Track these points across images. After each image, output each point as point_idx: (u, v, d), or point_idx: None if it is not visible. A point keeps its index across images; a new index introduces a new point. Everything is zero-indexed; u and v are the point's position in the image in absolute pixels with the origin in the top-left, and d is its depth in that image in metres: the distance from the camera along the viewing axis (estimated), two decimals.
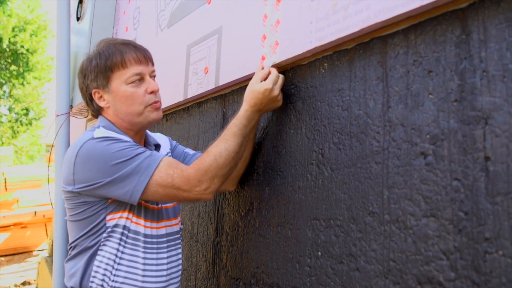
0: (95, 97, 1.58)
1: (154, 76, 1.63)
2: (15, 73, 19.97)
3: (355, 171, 1.21)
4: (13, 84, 20.44)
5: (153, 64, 1.63)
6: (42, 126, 18.77)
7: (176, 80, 2.10)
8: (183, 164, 1.47)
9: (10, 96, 20.65)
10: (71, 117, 3.33)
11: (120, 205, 1.48)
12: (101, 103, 1.58)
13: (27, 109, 19.65)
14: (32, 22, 19.50)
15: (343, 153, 1.25)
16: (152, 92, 1.56)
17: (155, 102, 1.57)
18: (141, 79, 1.55)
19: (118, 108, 1.55)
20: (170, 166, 1.43)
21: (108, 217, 1.49)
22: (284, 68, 1.49)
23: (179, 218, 1.65)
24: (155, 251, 1.53)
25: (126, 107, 1.54)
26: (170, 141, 1.84)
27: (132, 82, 1.53)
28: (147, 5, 2.60)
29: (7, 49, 19.42)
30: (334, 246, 1.24)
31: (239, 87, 1.72)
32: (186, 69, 2.01)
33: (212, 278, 1.74)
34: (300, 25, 1.38)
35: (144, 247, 1.50)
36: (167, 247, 1.57)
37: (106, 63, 1.54)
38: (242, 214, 1.61)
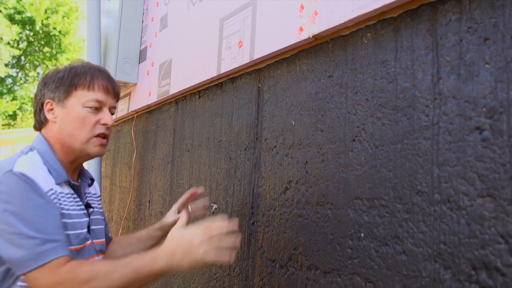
0: (46, 108, 1.52)
1: (113, 114, 1.59)
2: (48, 55, 20.29)
3: (401, 148, 1.13)
4: (47, 66, 20.78)
5: (117, 101, 1.61)
6: None
7: (209, 55, 2.04)
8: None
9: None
10: None
11: None
12: (49, 116, 1.52)
13: None
14: (64, 4, 19.72)
15: (388, 128, 1.17)
16: (104, 124, 1.51)
17: (103, 136, 1.52)
18: (99, 108, 1.52)
19: (64, 127, 1.49)
20: (49, 269, 1.25)
21: None
22: (323, 40, 1.41)
23: None
24: None
25: (73, 128, 1.48)
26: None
27: (89, 107, 1.49)
28: None
29: (40, 31, 19.69)
30: (378, 227, 1.17)
31: (275, 60, 1.64)
32: (219, 44, 1.95)
33: (247, 259, 1.69)
34: None
35: None
36: None
37: (73, 78, 1.50)
38: (279, 193, 1.55)
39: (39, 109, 1.55)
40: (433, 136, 1.06)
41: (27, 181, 1.31)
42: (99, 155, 1.55)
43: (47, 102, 1.52)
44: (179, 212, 1.77)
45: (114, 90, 1.57)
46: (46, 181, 1.38)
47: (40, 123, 1.57)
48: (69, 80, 1.50)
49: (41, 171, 1.39)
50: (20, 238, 1.26)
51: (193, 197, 1.79)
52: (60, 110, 1.51)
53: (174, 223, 1.72)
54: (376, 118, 1.21)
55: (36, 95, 1.56)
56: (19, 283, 1.34)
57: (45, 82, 1.54)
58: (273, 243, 1.55)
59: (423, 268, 1.05)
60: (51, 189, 1.39)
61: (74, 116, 1.49)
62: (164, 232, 1.74)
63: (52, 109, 1.52)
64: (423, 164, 1.07)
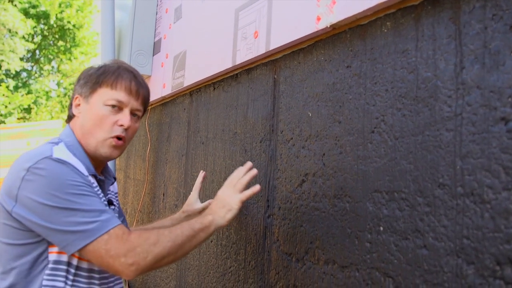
0: (74, 103, 1.55)
1: (138, 116, 1.61)
2: (62, 48, 20.41)
3: (422, 140, 1.10)
4: (61, 60, 20.92)
5: (144, 105, 1.61)
6: None
7: (223, 46, 2.01)
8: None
9: (59, 71, 21.17)
10: None
11: None
12: (75, 111, 1.55)
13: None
14: None
15: (409, 119, 1.14)
16: (121, 125, 1.51)
17: (119, 138, 1.52)
18: (119, 108, 1.52)
19: (85, 123, 1.51)
20: (117, 238, 1.30)
21: (50, 249, 1.36)
22: (341, 29, 1.38)
23: None
24: (97, 286, 1.47)
25: (91, 125, 1.49)
26: None
27: (109, 106, 1.49)
28: None
29: (55, 25, 19.80)
30: (398, 220, 1.14)
31: (291, 51, 1.61)
32: (235, 34, 1.92)
33: (263, 253, 1.67)
34: None
35: (88, 282, 1.43)
36: (104, 283, 1.51)
37: (99, 76, 1.52)
38: (295, 186, 1.52)
39: (70, 104, 1.59)
40: (455, 127, 1.02)
41: (68, 165, 1.34)
42: (111, 156, 1.54)
43: (76, 97, 1.56)
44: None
45: (138, 92, 1.55)
46: (81, 169, 1.40)
47: (69, 117, 1.60)
48: (95, 77, 1.52)
49: (75, 161, 1.41)
50: (74, 214, 1.28)
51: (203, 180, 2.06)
52: (84, 106, 1.53)
53: (201, 210, 1.90)
54: (396, 109, 1.18)
55: (73, 91, 1.60)
56: (47, 272, 1.36)
57: (79, 78, 1.58)
58: (289, 237, 1.53)
59: (445, 263, 1.02)
60: (87, 175, 1.42)
61: (94, 113, 1.50)
62: (191, 217, 1.85)
63: (79, 104, 1.55)
64: (445, 156, 1.04)
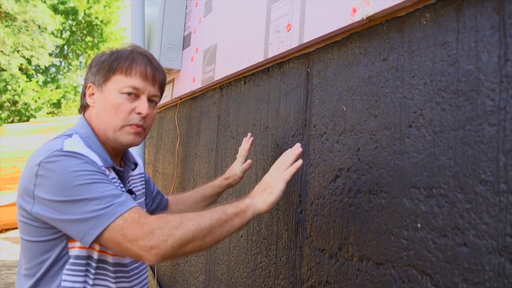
0: (87, 92, 1.50)
1: (156, 102, 1.54)
2: (90, 44, 20.69)
3: (463, 134, 1.07)
4: (89, 55, 21.21)
5: (161, 90, 1.54)
6: None
7: (255, 40, 2.00)
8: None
9: (86, 66, 21.42)
10: None
11: None
12: (89, 100, 1.50)
13: None
14: None
15: (449, 114, 1.11)
16: (139, 114, 1.45)
17: (138, 125, 1.46)
18: (136, 95, 1.46)
19: (100, 113, 1.46)
20: (133, 221, 1.21)
21: (70, 244, 1.35)
22: (378, 21, 1.35)
23: None
24: (127, 279, 1.45)
25: (107, 115, 1.44)
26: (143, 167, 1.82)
27: (125, 93, 1.43)
28: None
29: (83, 21, 20.06)
30: (436, 217, 1.11)
31: (325, 44, 1.59)
32: (267, 28, 1.90)
33: (294, 248, 1.65)
34: None
35: (115, 277, 1.41)
36: (134, 274, 1.50)
37: (112, 63, 1.45)
38: (329, 181, 1.50)
39: (83, 93, 1.54)
40: (499, 121, 0.99)
41: (80, 157, 1.29)
42: (133, 144, 1.49)
43: (89, 86, 1.50)
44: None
45: (154, 77, 1.49)
46: (96, 160, 1.36)
47: (82, 107, 1.55)
48: (108, 64, 1.46)
49: (89, 153, 1.37)
50: (87, 203, 1.23)
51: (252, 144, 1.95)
52: (99, 95, 1.48)
53: (241, 176, 1.91)
54: (435, 103, 1.15)
55: (84, 79, 1.54)
56: (67, 267, 1.35)
57: (90, 66, 1.52)
58: (322, 232, 1.51)
59: (487, 261, 0.99)
60: (102, 166, 1.37)
61: (110, 102, 1.44)
62: (231, 185, 1.91)
63: (93, 94, 1.50)
64: (487, 151, 1.01)
